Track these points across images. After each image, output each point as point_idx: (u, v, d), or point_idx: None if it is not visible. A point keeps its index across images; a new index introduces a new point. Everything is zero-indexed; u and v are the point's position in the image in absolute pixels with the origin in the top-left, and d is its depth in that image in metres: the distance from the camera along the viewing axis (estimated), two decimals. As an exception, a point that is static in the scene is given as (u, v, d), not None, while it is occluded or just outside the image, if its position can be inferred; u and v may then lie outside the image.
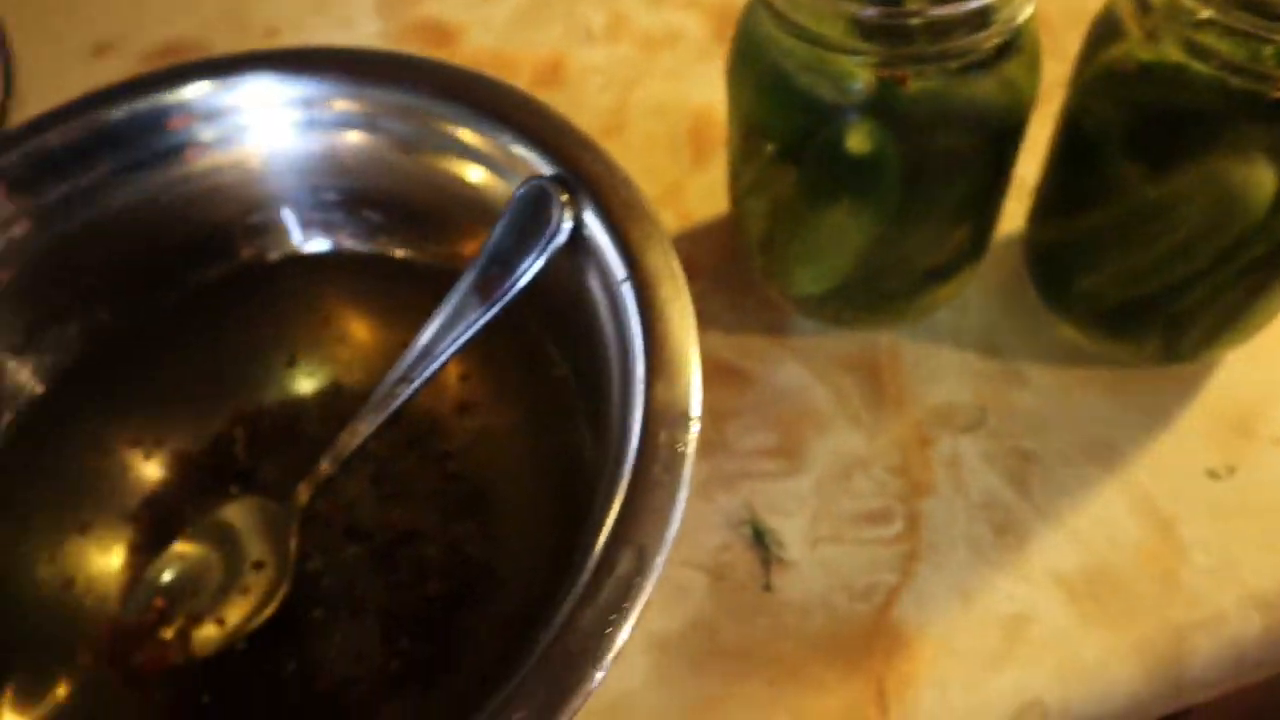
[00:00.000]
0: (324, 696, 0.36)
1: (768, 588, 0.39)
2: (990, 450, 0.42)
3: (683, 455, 0.27)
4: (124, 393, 0.40)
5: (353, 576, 0.37)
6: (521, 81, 0.56)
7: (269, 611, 0.36)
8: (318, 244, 0.41)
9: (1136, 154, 0.38)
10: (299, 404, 0.41)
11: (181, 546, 0.38)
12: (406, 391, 0.35)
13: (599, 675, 0.24)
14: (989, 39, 0.35)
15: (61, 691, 0.36)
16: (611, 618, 0.25)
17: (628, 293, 0.31)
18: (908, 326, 0.46)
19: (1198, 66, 0.34)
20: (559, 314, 0.36)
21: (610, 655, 0.24)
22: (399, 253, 0.40)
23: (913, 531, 0.40)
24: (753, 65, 0.38)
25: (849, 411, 0.44)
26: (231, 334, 0.40)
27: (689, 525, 0.41)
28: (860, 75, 0.35)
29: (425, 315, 0.35)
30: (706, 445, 0.43)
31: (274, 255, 0.40)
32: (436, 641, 0.36)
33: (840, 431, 0.43)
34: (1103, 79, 0.37)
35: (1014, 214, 0.45)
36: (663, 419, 0.28)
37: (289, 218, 0.40)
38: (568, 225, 0.33)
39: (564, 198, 0.33)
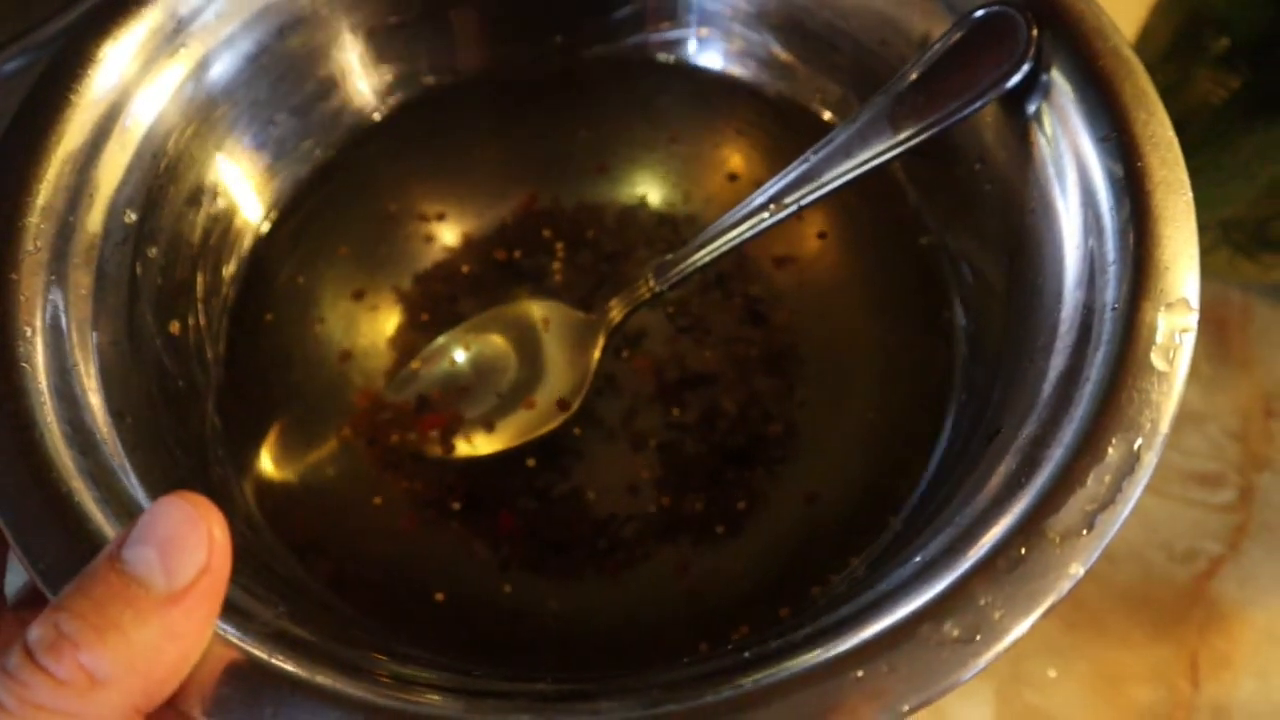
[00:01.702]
0: (594, 524, 0.33)
1: (1080, 526, 0.35)
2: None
3: (1181, 347, 0.23)
4: (434, 155, 0.37)
5: (637, 408, 0.34)
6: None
7: (551, 427, 0.33)
8: (710, 58, 0.37)
9: None
10: (619, 213, 0.37)
11: (469, 334, 0.35)
12: (769, 220, 0.31)
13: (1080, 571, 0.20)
14: None
15: (320, 454, 0.34)
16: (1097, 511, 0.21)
17: (1103, 155, 0.26)
18: (1263, 286, 0.41)
19: None
20: (953, 174, 0.32)
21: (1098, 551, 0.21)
22: (800, 98, 0.36)
23: (1245, 504, 0.36)
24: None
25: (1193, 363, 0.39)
26: (570, 122, 0.37)
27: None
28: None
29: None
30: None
31: (663, 55, 0.37)
32: (713, 495, 0.33)
33: (1176, 379, 0.38)
34: None
35: None
36: (1157, 303, 0.23)
37: (693, 18, 0.36)
38: (1027, 66, 0.28)
39: (1033, 32, 0.28)
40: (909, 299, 0.34)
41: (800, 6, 0.34)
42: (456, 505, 0.33)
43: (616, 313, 0.33)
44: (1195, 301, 0.24)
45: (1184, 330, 0.23)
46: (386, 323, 0.36)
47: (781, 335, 0.35)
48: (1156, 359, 0.23)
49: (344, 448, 0.34)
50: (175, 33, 0.30)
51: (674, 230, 0.36)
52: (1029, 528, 0.21)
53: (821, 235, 0.36)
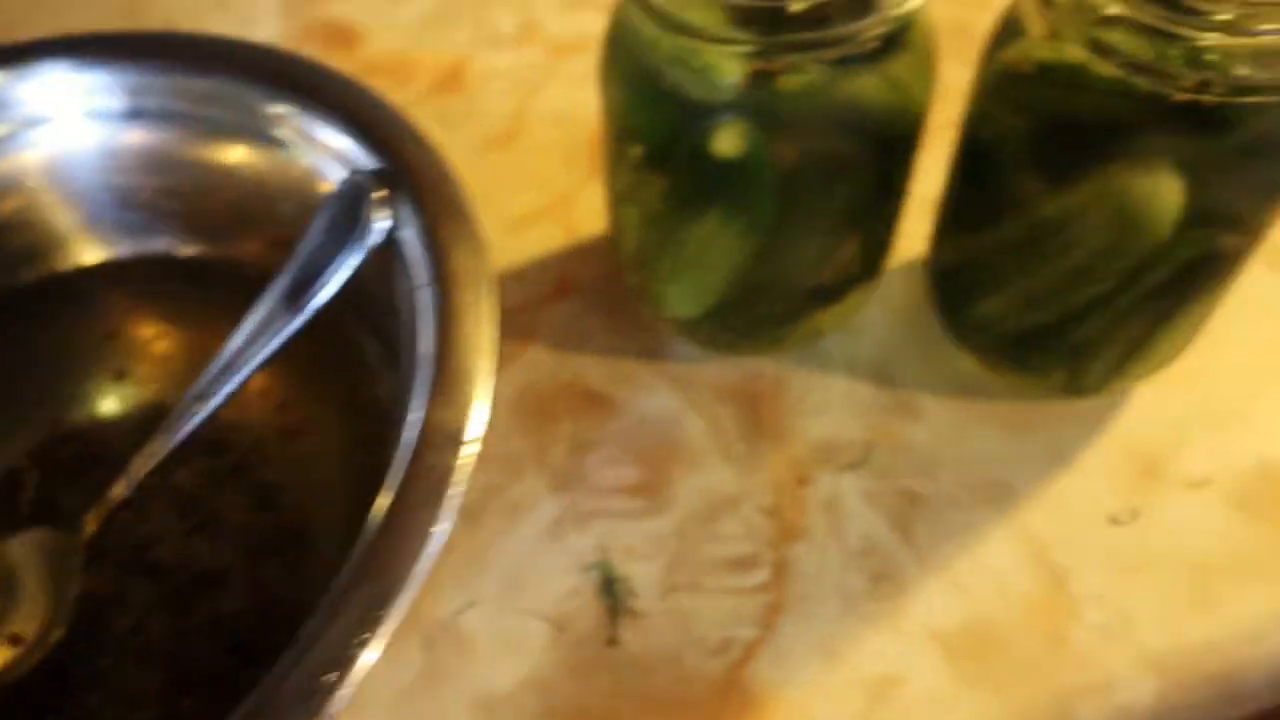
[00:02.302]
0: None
1: (613, 642, 0.35)
2: (874, 490, 0.38)
3: (445, 483, 0.23)
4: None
5: (144, 620, 0.34)
6: (420, 86, 0.53)
7: (35, 659, 0.32)
8: (116, 249, 0.37)
9: (1035, 165, 0.34)
10: (107, 425, 0.37)
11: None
12: (205, 410, 0.32)
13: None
14: (871, 29, 0.31)
15: None
16: (325, 677, 0.21)
17: (427, 299, 0.27)
18: (795, 353, 0.42)
19: (1099, 67, 0.30)
20: (380, 325, 0.33)
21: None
22: (213, 256, 0.37)
23: (779, 580, 0.36)
24: (620, 60, 0.35)
25: (722, 445, 0.40)
26: (33, 348, 0.37)
27: (535, 569, 0.37)
28: (729, 68, 0.32)
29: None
30: (562, 479, 0.39)
31: (68, 264, 0.37)
32: (225, 699, 0.32)
33: (710, 467, 0.39)
34: (1001, 81, 0.34)
35: (917, 234, 0.42)
36: (433, 441, 0.24)
37: (82, 220, 0.36)
38: (383, 225, 0.29)
39: (379, 194, 0.29)
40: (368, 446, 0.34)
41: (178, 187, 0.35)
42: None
43: (91, 526, 0.33)
44: (475, 432, 0.24)
45: (449, 469, 0.23)
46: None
47: (291, 516, 0.35)
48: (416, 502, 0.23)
49: None
50: None
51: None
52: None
53: (282, 405, 0.36)
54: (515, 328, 0.44)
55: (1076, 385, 0.39)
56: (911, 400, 0.41)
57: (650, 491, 0.39)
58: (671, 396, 0.41)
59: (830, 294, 0.40)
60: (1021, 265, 0.36)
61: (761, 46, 0.31)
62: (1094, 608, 0.35)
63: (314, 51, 0.54)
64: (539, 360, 0.43)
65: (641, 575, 0.37)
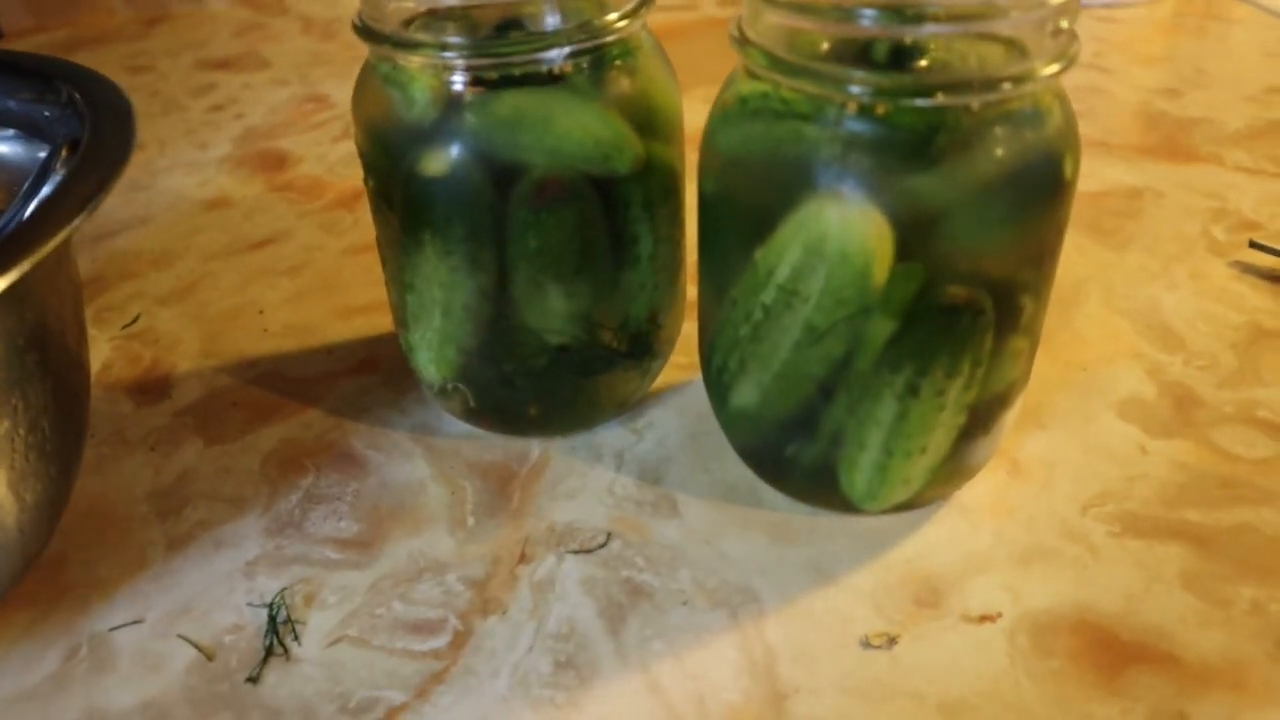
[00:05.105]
0: None
1: (253, 680, 0.31)
2: (596, 578, 0.34)
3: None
4: None
5: None
6: (324, 200, 0.56)
7: None
8: None
9: (749, 215, 0.32)
10: None
11: None
12: None
13: None
14: (559, 42, 0.31)
15: None
16: None
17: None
18: (569, 441, 0.39)
19: (784, 93, 0.29)
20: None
21: None
22: None
23: (454, 650, 0.32)
24: (359, 96, 0.35)
25: (456, 516, 0.37)
26: None
27: (212, 599, 0.34)
28: (424, 84, 0.32)
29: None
30: (281, 525, 0.37)
31: None
32: None
33: (433, 534, 0.36)
34: (715, 121, 0.32)
35: (717, 337, 0.39)
36: None
37: None
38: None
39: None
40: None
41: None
42: None
43: None
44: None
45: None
46: None
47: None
48: None
49: None
50: None
51: None
52: None
53: None
54: (304, 394, 0.43)
55: (849, 490, 0.35)
56: (672, 498, 0.37)
57: (361, 548, 0.36)
58: (424, 466, 0.39)
59: (587, 364, 0.37)
60: (756, 332, 0.33)
61: (460, 55, 0.31)
62: (801, 730, 0.30)
63: (251, 169, 0.58)
64: (313, 422, 0.41)
65: (315, 623, 0.33)
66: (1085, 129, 0.63)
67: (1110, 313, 0.46)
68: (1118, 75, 0.72)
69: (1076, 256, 0.51)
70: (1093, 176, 0.58)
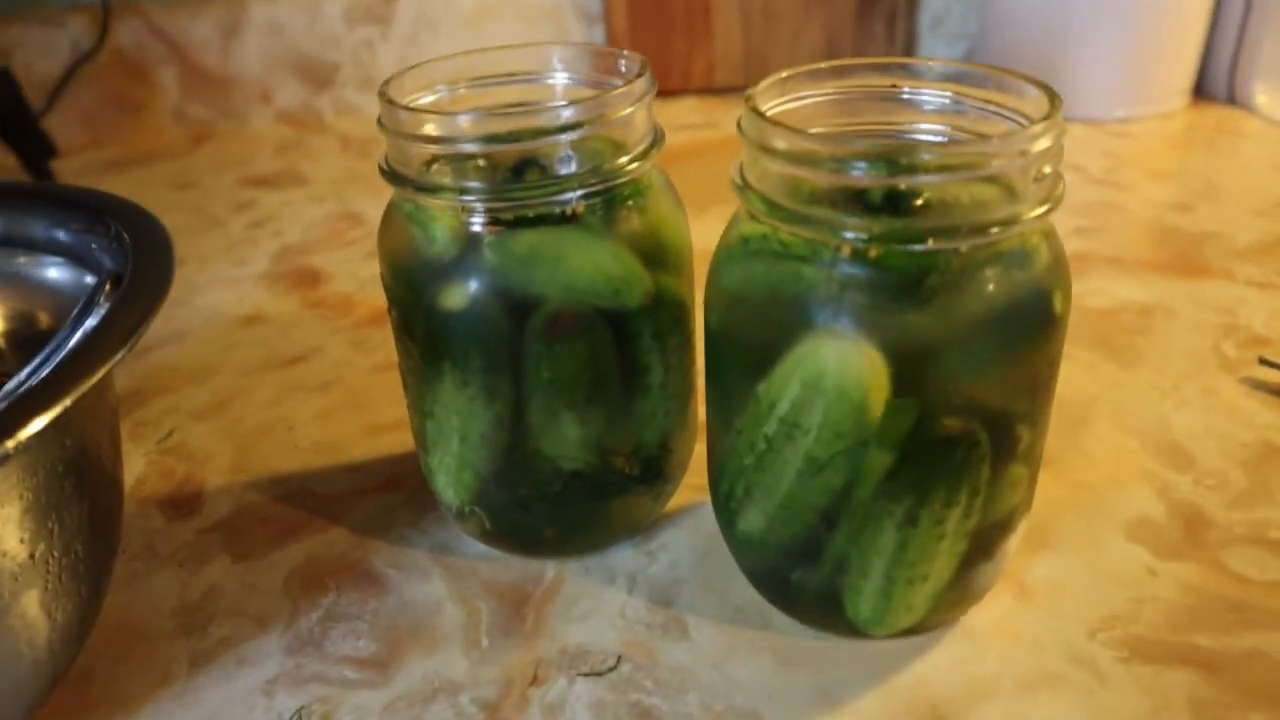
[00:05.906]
0: None
1: (265, 805, 0.32)
2: (605, 700, 0.35)
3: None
4: None
5: None
6: (355, 318, 0.58)
7: None
8: None
9: (752, 350, 0.33)
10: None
11: None
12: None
13: None
14: (573, 186, 0.33)
15: None
16: None
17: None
18: (583, 562, 0.40)
19: (782, 235, 0.31)
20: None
21: None
22: None
23: (464, 772, 0.33)
24: (385, 231, 0.37)
25: (471, 637, 0.38)
26: None
27: (230, 716, 0.35)
28: (444, 223, 0.34)
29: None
30: (301, 643, 0.37)
31: None
32: None
33: (449, 655, 0.37)
34: (719, 260, 0.34)
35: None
36: None
37: None
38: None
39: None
40: None
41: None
42: None
43: None
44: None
45: None
46: None
47: None
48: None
49: None
50: None
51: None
52: None
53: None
54: (329, 511, 0.44)
55: (854, 615, 0.35)
56: (683, 621, 0.38)
57: (379, 668, 0.36)
58: (442, 586, 0.40)
59: (601, 489, 0.38)
60: (760, 461, 0.34)
61: (477, 199, 0.33)
62: None
63: (287, 286, 0.61)
64: (336, 540, 0.43)
65: (328, 744, 0.34)
66: (1098, 246, 0.65)
67: (1119, 431, 0.47)
68: (1130, 190, 0.74)
69: (1086, 374, 0.52)
70: (1104, 293, 0.59)
